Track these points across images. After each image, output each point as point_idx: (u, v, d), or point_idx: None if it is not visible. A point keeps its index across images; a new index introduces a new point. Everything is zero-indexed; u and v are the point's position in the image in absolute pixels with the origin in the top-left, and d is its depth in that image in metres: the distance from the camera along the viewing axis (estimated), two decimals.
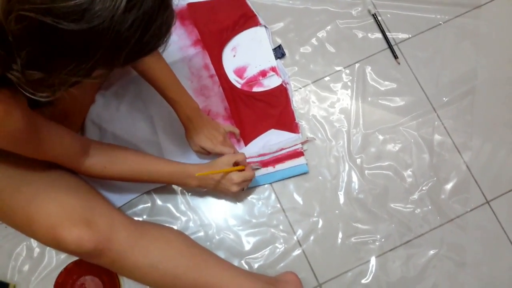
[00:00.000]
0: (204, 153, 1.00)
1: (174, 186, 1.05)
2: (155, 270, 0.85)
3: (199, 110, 0.96)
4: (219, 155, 0.98)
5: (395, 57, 1.11)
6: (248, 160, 1.04)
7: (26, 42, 0.46)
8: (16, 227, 0.82)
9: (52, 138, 0.76)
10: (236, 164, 0.96)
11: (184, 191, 1.06)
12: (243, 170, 0.96)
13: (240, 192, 0.97)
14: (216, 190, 0.97)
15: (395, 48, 1.11)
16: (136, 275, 0.88)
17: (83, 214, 0.79)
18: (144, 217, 1.04)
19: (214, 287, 0.88)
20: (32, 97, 0.51)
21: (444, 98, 1.09)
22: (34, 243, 1.03)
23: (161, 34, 0.54)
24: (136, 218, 1.03)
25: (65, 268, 1.00)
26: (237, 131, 1.04)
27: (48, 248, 1.02)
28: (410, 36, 1.13)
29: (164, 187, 1.05)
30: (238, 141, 1.07)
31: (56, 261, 1.02)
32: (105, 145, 0.90)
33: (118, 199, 1.04)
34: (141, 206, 1.05)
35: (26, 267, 1.02)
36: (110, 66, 0.54)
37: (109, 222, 0.82)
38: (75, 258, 1.01)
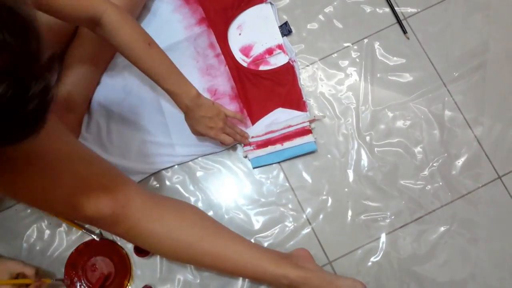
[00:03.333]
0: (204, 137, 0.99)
1: (183, 166, 1.05)
2: (169, 238, 0.86)
3: (199, 97, 0.92)
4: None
5: (404, 32, 1.09)
6: (254, 140, 1.04)
7: None
8: (31, 201, 0.80)
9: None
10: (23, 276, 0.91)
11: (192, 171, 1.05)
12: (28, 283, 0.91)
13: None
14: None
15: (404, 22, 1.09)
16: (150, 243, 0.88)
17: (99, 181, 0.79)
18: None
19: (228, 257, 0.89)
20: None
21: (454, 73, 1.07)
22: (44, 225, 1.04)
23: (28, 124, 0.49)
24: None
25: (76, 249, 1.01)
26: (239, 116, 1.02)
27: (58, 229, 1.03)
28: (419, 10, 1.10)
29: (173, 167, 1.05)
30: (245, 124, 1.06)
31: (67, 242, 1.03)
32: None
33: None
34: (150, 187, 1.05)
35: (37, 249, 1.03)
36: None
37: (125, 190, 0.82)
38: (86, 239, 1.01)
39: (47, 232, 1.04)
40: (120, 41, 0.84)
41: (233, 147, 1.06)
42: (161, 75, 0.88)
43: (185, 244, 0.86)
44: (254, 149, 1.04)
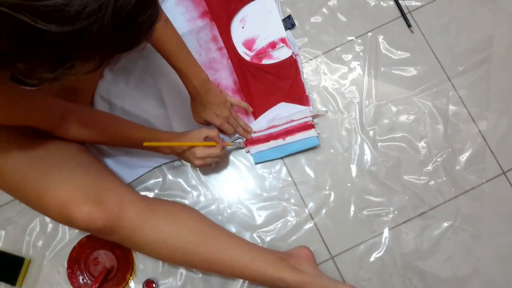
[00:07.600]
0: (207, 125, 0.98)
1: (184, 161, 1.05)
2: (166, 246, 0.86)
3: (208, 81, 0.93)
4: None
5: (409, 25, 1.08)
6: (257, 134, 1.03)
7: (4, 37, 0.42)
8: (28, 204, 0.83)
9: (35, 102, 0.75)
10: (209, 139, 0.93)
11: None
12: (213, 146, 0.93)
13: (207, 167, 1.00)
14: (183, 159, 0.97)
15: (408, 16, 1.08)
16: (147, 251, 0.89)
17: (93, 191, 0.80)
18: (156, 191, 1.04)
19: (225, 263, 0.89)
20: (21, 84, 0.49)
21: (459, 67, 1.06)
22: (47, 218, 1.04)
23: (143, 32, 0.50)
24: (147, 193, 1.04)
25: (79, 243, 1.01)
26: (244, 104, 1.02)
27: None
28: (424, 3, 1.09)
29: (175, 161, 1.04)
30: (247, 114, 1.05)
31: (70, 235, 1.03)
32: (80, 107, 0.88)
33: (129, 174, 1.04)
34: (152, 181, 1.05)
35: (40, 242, 1.03)
36: (90, 63, 0.50)
37: (119, 200, 0.83)
38: (89, 233, 1.01)
39: (50, 225, 1.04)
40: None
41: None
42: (173, 52, 0.88)
43: (182, 251, 0.87)
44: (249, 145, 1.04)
